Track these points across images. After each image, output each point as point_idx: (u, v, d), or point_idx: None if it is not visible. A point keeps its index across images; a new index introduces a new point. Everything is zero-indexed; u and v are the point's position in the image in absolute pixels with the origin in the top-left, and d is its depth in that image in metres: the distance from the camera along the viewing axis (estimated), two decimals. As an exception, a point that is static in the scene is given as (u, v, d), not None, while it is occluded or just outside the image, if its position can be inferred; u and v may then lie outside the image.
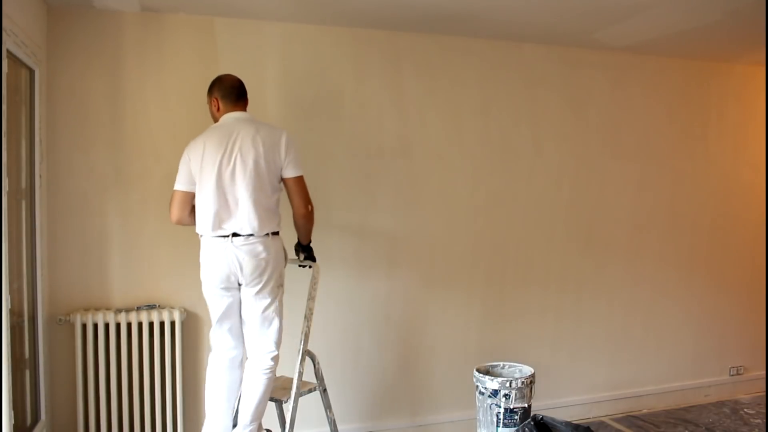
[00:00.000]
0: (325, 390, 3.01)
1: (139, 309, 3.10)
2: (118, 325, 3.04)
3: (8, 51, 2.38)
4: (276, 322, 2.74)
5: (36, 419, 2.87)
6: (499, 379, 3.00)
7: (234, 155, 2.59)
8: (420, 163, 3.62)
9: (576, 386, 4.01)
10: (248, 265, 2.60)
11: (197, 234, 2.70)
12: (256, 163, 2.60)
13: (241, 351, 2.79)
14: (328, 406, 3.03)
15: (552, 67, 3.86)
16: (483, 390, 3.05)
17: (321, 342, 3.46)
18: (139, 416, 3.09)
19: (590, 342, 4.04)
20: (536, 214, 3.88)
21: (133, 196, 3.15)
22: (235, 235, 2.60)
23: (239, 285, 2.68)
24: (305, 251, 2.96)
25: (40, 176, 2.91)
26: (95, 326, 3.02)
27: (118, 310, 3.07)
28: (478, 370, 3.13)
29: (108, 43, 3.08)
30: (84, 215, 3.09)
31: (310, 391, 2.95)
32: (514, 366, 3.22)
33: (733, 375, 4.47)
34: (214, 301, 2.71)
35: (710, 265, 4.36)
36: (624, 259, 4.10)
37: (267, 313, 2.71)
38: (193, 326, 3.25)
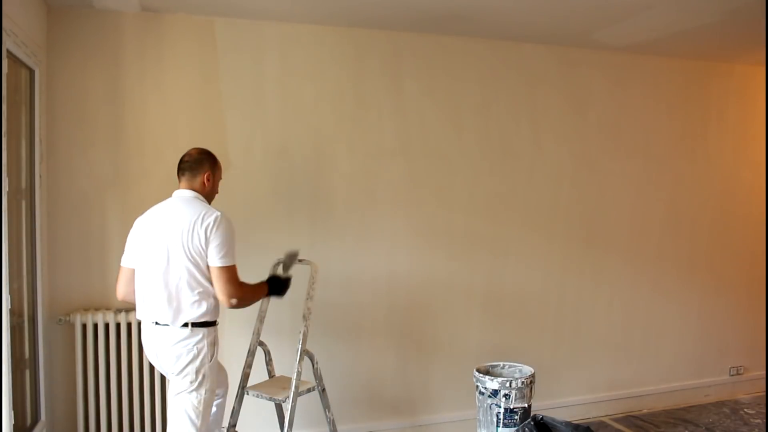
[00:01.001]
0: (323, 390, 2.99)
1: (139, 309, 3.10)
2: (118, 325, 3.04)
3: (8, 51, 2.38)
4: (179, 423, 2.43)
5: (36, 419, 2.87)
6: (499, 379, 3.00)
7: (158, 241, 2.44)
8: (420, 163, 3.62)
9: (576, 386, 4.01)
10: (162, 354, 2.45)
11: None
12: (179, 250, 2.40)
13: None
14: (327, 406, 3.02)
15: (552, 67, 3.86)
16: (483, 390, 3.05)
17: (321, 342, 3.46)
18: (139, 416, 3.09)
19: (590, 342, 4.04)
20: (536, 214, 3.88)
21: (133, 196, 3.14)
22: (156, 323, 2.43)
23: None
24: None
25: (40, 176, 2.91)
26: (95, 326, 3.02)
27: (118, 310, 3.06)
28: (478, 370, 3.13)
29: (108, 43, 3.08)
30: (84, 215, 3.09)
31: (309, 390, 2.93)
32: (514, 366, 3.22)
33: (733, 375, 4.47)
34: None
35: (710, 265, 4.36)
36: (624, 259, 4.10)
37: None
38: (193, 326, 3.24)
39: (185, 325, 2.39)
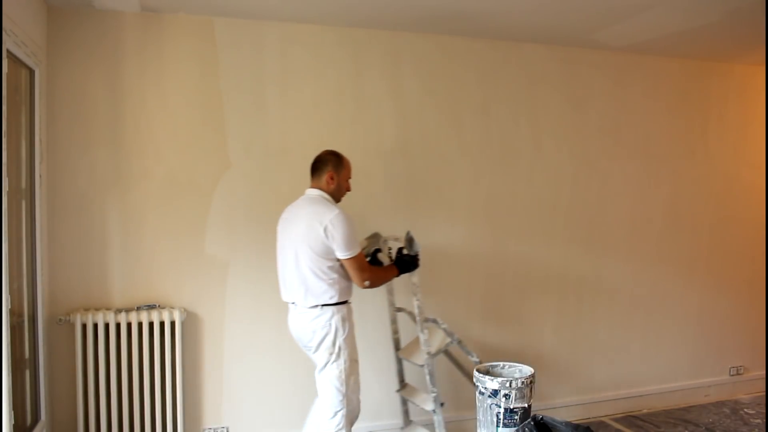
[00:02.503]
0: (459, 341, 3.25)
1: (139, 309, 3.10)
2: (118, 325, 3.04)
3: (8, 51, 2.38)
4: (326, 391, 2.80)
5: (36, 419, 2.87)
6: (499, 379, 3.00)
7: (289, 235, 2.80)
8: (420, 163, 3.62)
9: (576, 386, 4.01)
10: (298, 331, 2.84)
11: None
12: (302, 248, 2.72)
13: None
14: (469, 353, 3.28)
15: (552, 66, 3.86)
16: (483, 390, 3.05)
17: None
18: (139, 416, 3.09)
19: (590, 342, 4.04)
20: (536, 214, 3.88)
21: (133, 196, 3.15)
22: (294, 304, 2.82)
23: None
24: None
25: (40, 176, 2.91)
26: (95, 326, 3.02)
27: (118, 310, 3.07)
28: (478, 370, 3.13)
29: (108, 43, 3.08)
30: (84, 215, 3.09)
31: (447, 345, 3.22)
32: (514, 366, 3.22)
33: (733, 375, 4.47)
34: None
35: (710, 265, 4.36)
36: (624, 259, 4.10)
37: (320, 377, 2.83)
38: (193, 326, 3.25)
39: (315, 306, 2.72)
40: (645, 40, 3.73)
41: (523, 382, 3.00)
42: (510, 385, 2.98)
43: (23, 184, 2.78)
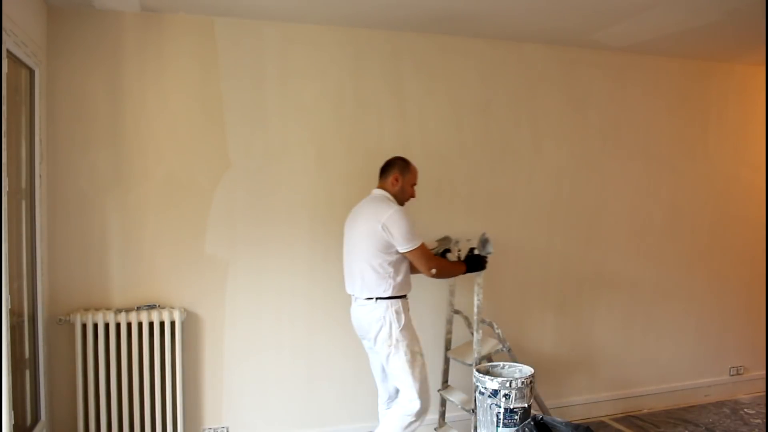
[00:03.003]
0: (509, 349, 3.35)
1: (139, 309, 3.10)
2: (118, 325, 3.04)
3: (8, 51, 2.38)
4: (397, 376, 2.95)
5: (36, 419, 2.87)
6: (499, 379, 3.00)
7: (351, 236, 2.97)
8: (420, 163, 3.61)
9: (576, 386, 4.01)
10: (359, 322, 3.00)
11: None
12: (362, 242, 2.89)
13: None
14: (514, 360, 3.34)
15: (552, 66, 3.86)
16: (483, 390, 3.05)
17: (322, 342, 3.47)
18: (139, 416, 3.09)
19: (590, 342, 4.04)
20: (536, 214, 3.88)
21: (133, 196, 3.15)
22: (354, 296, 2.99)
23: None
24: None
25: (40, 176, 2.91)
26: (95, 326, 3.02)
27: (118, 310, 3.07)
28: (478, 370, 3.13)
29: (108, 43, 3.08)
30: (84, 215, 3.09)
31: (496, 351, 3.31)
32: (514, 366, 3.22)
33: (733, 375, 4.47)
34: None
35: (710, 265, 4.36)
36: (624, 259, 4.11)
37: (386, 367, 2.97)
38: (193, 326, 3.25)
39: (370, 298, 2.88)
40: (645, 40, 3.73)
41: (523, 382, 3.00)
42: (510, 385, 2.98)
43: (23, 184, 2.78)
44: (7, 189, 2.34)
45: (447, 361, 3.51)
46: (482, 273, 3.17)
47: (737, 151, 4.41)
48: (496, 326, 3.33)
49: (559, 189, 3.92)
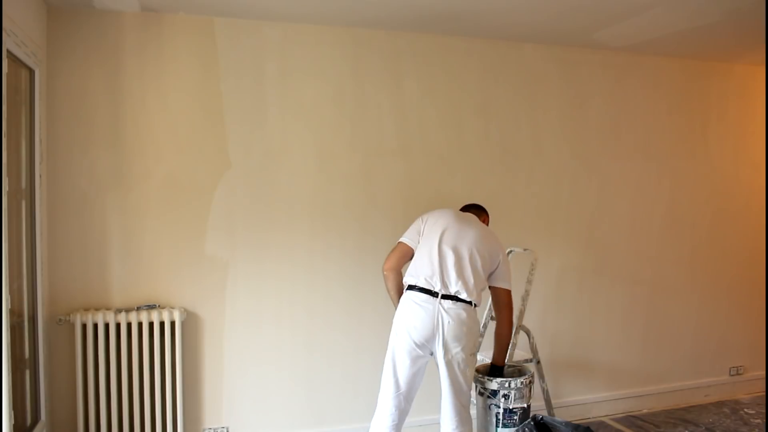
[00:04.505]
0: (539, 362, 3.43)
1: (139, 309, 3.10)
2: (118, 325, 3.04)
3: (8, 51, 2.38)
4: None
5: (36, 419, 2.87)
6: (499, 380, 3.00)
7: (465, 236, 2.84)
8: (420, 163, 3.62)
9: (576, 386, 4.01)
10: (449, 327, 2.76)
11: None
12: (477, 253, 2.82)
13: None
14: (541, 376, 3.44)
15: (552, 67, 3.86)
16: (482, 390, 3.05)
17: (322, 341, 3.47)
18: (139, 416, 3.09)
19: (590, 341, 4.04)
20: (536, 214, 3.88)
21: (133, 196, 3.15)
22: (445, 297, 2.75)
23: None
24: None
25: (40, 176, 2.91)
26: (95, 326, 3.02)
27: (118, 310, 3.07)
28: (478, 371, 3.13)
29: (108, 43, 3.08)
30: (84, 215, 3.09)
31: (526, 361, 3.35)
32: (514, 366, 3.22)
33: (733, 375, 4.47)
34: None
35: (710, 265, 4.36)
36: (624, 259, 4.10)
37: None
38: (193, 326, 3.25)
39: (470, 302, 2.81)
40: (645, 40, 3.73)
41: (522, 382, 3.01)
42: (509, 386, 2.98)
43: (23, 184, 2.78)
44: (7, 189, 2.34)
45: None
46: (533, 278, 3.36)
47: (737, 151, 4.40)
48: (531, 335, 3.39)
49: (559, 189, 3.92)
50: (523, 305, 3.33)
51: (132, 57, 3.12)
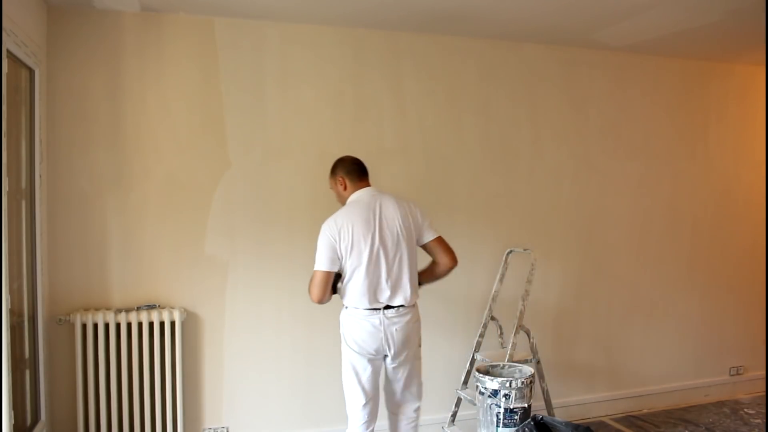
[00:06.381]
0: (539, 362, 3.41)
1: (139, 309, 3.10)
2: (118, 325, 3.04)
3: (8, 51, 2.38)
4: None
5: (36, 419, 2.87)
6: (499, 379, 3.00)
7: (384, 229, 2.67)
8: (420, 163, 3.62)
9: (576, 386, 4.01)
10: (398, 336, 2.70)
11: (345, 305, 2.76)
12: (403, 234, 2.69)
13: None
14: (541, 376, 3.42)
15: (552, 67, 3.86)
16: (483, 390, 3.05)
17: (322, 341, 3.47)
18: (139, 416, 3.09)
19: (590, 342, 4.04)
20: (535, 214, 3.88)
21: (133, 196, 3.15)
22: (387, 307, 2.68)
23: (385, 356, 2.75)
24: None
25: (40, 176, 2.91)
26: (95, 326, 3.02)
27: (118, 310, 3.07)
28: (478, 370, 3.13)
29: (108, 42, 3.08)
30: (84, 215, 3.09)
31: (526, 361, 3.31)
32: (514, 366, 3.22)
33: (733, 375, 4.47)
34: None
35: (710, 265, 4.36)
36: (624, 259, 4.10)
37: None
38: (193, 326, 3.25)
39: (413, 305, 2.79)
40: (645, 40, 3.73)
41: (522, 382, 3.00)
42: (510, 385, 2.98)
43: (23, 184, 2.78)
44: (7, 189, 2.34)
45: (472, 363, 3.51)
46: (533, 278, 3.32)
47: (737, 151, 4.41)
48: (532, 335, 3.37)
49: (559, 189, 3.92)
50: (523, 305, 3.32)
51: (132, 57, 3.12)
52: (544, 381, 3.46)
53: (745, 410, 4.15)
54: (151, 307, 3.13)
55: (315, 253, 2.67)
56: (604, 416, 4.03)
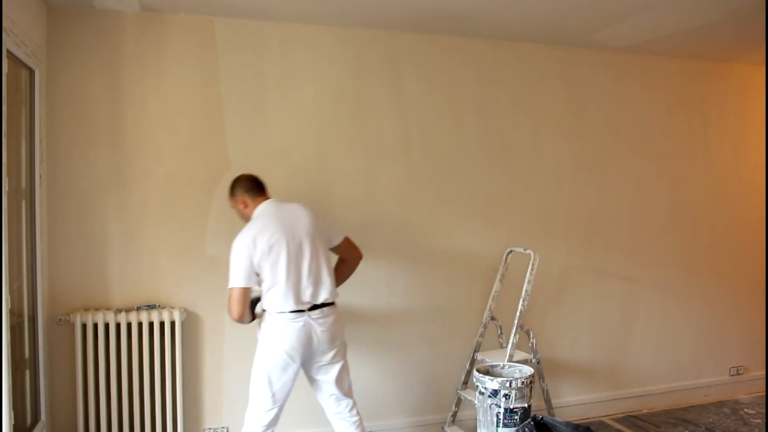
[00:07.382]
0: (539, 361, 3.44)
1: (139, 309, 3.10)
2: (118, 325, 3.04)
3: (8, 51, 2.38)
4: None
5: (36, 419, 2.87)
6: (499, 379, 3.00)
7: (298, 230, 2.72)
8: (420, 163, 3.62)
9: (576, 386, 4.01)
10: (324, 336, 2.74)
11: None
12: (316, 234, 2.76)
13: None
14: (541, 376, 3.44)
15: (552, 66, 3.86)
16: (483, 390, 3.05)
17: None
18: (139, 416, 3.09)
19: (590, 342, 4.04)
20: (535, 214, 3.88)
21: (133, 196, 3.15)
22: (312, 308, 2.71)
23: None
24: None
25: (40, 176, 2.91)
26: (95, 326, 3.02)
27: (118, 310, 3.07)
28: (478, 370, 3.13)
29: (108, 42, 3.08)
30: (84, 215, 3.09)
31: (526, 361, 3.32)
32: (514, 366, 3.22)
33: (733, 375, 4.47)
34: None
35: (710, 265, 4.36)
36: (624, 259, 4.10)
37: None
38: (193, 326, 3.25)
39: (333, 303, 2.83)
40: (645, 40, 3.73)
41: (522, 382, 3.01)
42: (510, 385, 2.98)
43: (23, 184, 2.78)
44: (7, 189, 2.34)
45: (473, 362, 3.53)
46: (533, 279, 3.35)
47: (737, 151, 4.41)
48: (532, 335, 3.39)
49: (559, 189, 3.92)
50: (523, 305, 3.32)
51: (132, 57, 3.12)
52: (544, 381, 3.46)
53: (745, 410, 4.15)
54: (151, 307, 3.13)
55: (229, 271, 2.66)
56: (604, 416, 4.03)
